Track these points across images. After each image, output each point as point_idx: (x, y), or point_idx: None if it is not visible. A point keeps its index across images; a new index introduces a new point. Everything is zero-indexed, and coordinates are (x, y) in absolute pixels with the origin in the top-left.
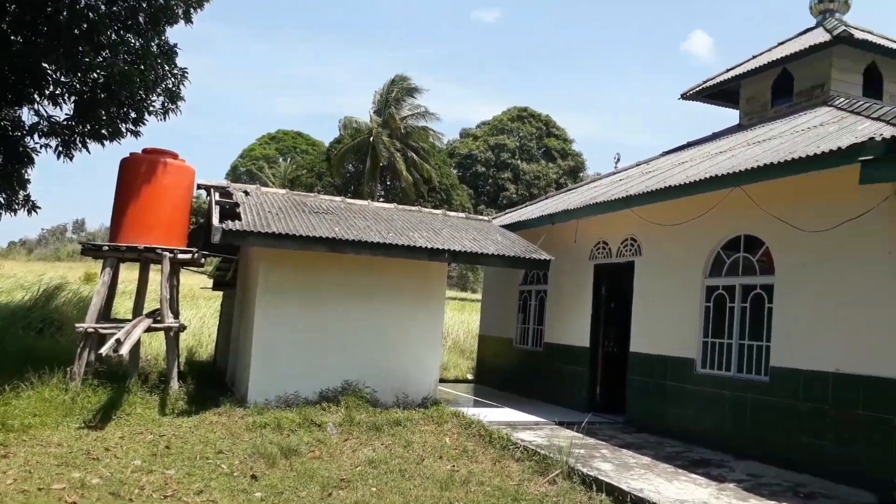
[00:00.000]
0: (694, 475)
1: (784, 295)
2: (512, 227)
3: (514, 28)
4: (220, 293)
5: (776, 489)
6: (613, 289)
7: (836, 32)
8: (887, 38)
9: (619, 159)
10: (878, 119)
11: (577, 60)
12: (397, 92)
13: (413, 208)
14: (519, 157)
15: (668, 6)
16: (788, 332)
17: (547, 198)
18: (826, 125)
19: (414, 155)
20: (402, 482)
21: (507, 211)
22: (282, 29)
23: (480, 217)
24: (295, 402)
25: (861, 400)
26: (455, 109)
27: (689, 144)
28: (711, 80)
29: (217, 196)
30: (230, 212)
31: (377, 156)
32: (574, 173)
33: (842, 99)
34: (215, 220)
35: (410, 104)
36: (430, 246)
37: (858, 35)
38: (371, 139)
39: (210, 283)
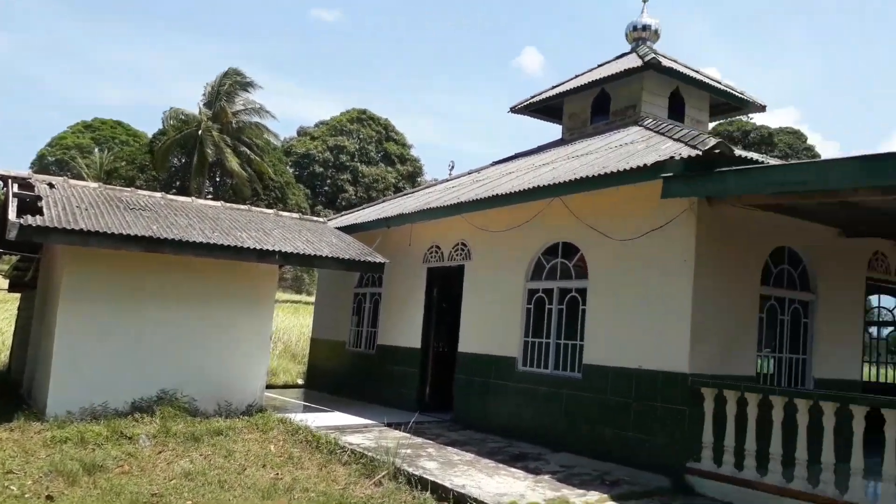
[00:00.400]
0: (513, 469)
1: (595, 297)
2: (348, 230)
3: (355, 29)
4: (18, 295)
5: (586, 478)
6: (445, 291)
7: (646, 59)
8: (689, 68)
9: (453, 167)
10: (678, 140)
11: (416, 66)
12: (230, 85)
13: (243, 207)
14: (358, 160)
15: (503, 20)
16: (599, 331)
17: (384, 201)
18: (636, 143)
19: (248, 151)
20: (220, 493)
21: (344, 213)
22: (100, 9)
23: (315, 218)
24: (103, 414)
25: (659, 394)
26: (292, 108)
27: (517, 156)
28: (538, 95)
29: (15, 188)
30: (31, 206)
31: (205, 150)
32: (412, 178)
33: (650, 120)
34: (12, 215)
35: (244, 99)
36: (258, 247)
37: (665, 63)
38: (199, 133)
39: (6, 283)
